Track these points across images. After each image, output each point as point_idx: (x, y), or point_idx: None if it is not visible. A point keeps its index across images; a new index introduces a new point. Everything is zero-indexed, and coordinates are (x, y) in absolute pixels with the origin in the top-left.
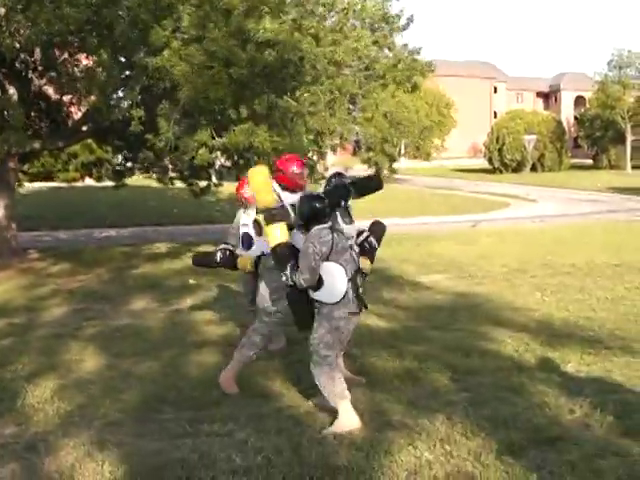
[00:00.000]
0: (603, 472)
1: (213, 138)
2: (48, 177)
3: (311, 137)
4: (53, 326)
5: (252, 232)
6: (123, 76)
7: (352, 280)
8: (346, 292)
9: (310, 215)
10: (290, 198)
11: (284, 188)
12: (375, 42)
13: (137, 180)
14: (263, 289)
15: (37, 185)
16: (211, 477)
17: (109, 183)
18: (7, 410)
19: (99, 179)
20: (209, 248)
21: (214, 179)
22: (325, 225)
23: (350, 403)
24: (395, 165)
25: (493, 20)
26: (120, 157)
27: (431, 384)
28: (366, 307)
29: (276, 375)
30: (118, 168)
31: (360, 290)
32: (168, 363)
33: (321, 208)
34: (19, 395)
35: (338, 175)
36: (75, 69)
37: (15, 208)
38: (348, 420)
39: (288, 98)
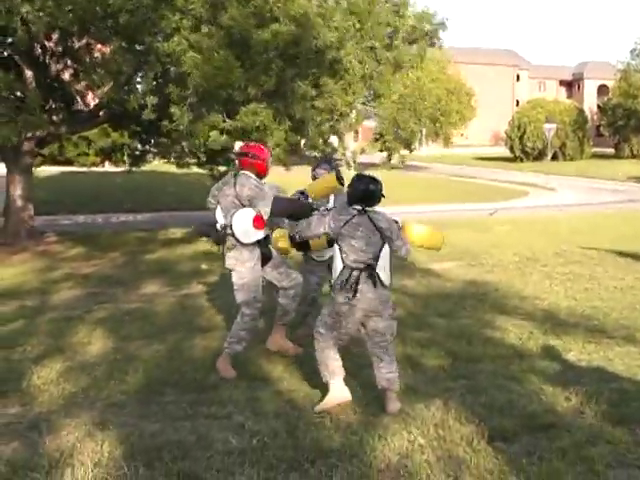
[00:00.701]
0: (593, 459)
1: (224, 121)
2: (68, 161)
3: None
4: (64, 309)
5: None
6: (138, 63)
7: (352, 270)
8: (345, 279)
9: (363, 196)
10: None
11: (257, 175)
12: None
13: (157, 165)
14: (244, 283)
15: (56, 169)
16: (207, 458)
17: (127, 168)
18: (13, 390)
19: (117, 164)
20: None
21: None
22: (357, 207)
23: (343, 380)
24: (415, 152)
25: (516, 7)
26: (137, 142)
27: (431, 370)
28: (351, 297)
29: (278, 359)
30: (136, 153)
31: (358, 284)
32: (173, 347)
33: (374, 190)
34: (25, 376)
35: (330, 158)
36: (90, 57)
37: (32, 191)
38: (339, 393)
39: (300, 83)
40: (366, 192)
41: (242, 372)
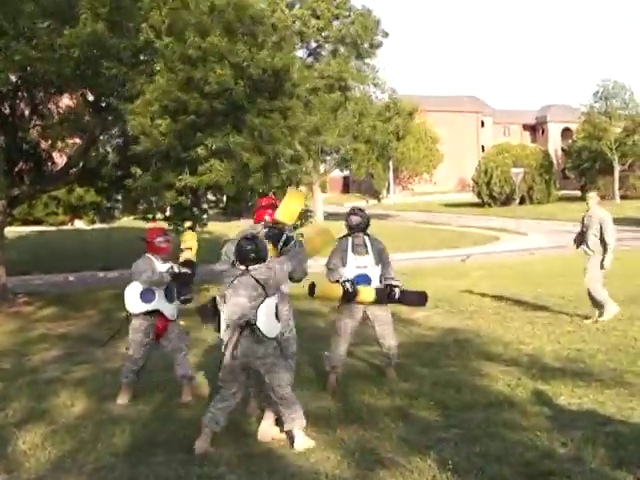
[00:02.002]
0: None
1: (179, 179)
2: (37, 221)
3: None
4: (43, 371)
5: None
6: (102, 121)
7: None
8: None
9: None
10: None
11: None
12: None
13: (126, 221)
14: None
15: (26, 229)
16: None
17: (98, 225)
18: None
19: (87, 221)
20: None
21: (204, 218)
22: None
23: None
24: (384, 201)
25: (478, 54)
26: (104, 199)
27: (422, 421)
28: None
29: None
30: (104, 209)
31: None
32: (159, 405)
33: (246, 250)
34: (9, 441)
35: (358, 210)
36: (57, 111)
37: (4, 252)
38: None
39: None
40: (240, 252)
41: (233, 429)
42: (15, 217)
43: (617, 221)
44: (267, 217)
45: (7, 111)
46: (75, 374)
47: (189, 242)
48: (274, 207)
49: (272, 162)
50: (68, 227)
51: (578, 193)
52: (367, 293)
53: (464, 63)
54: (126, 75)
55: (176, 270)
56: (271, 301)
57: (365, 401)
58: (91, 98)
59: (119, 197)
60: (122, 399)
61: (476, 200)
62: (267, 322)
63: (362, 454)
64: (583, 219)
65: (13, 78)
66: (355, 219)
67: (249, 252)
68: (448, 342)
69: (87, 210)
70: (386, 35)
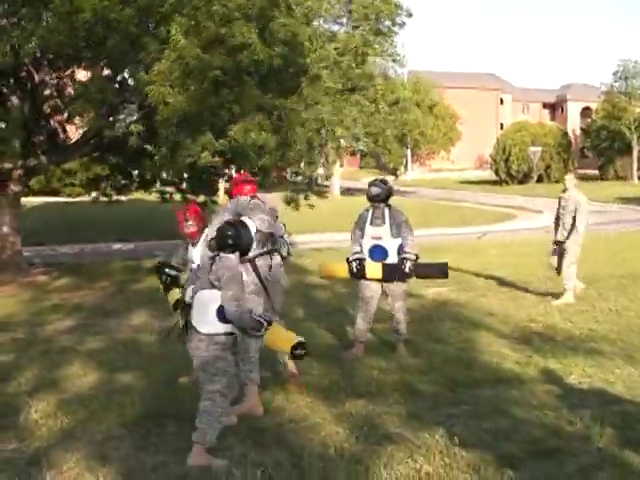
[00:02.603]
0: None
1: (217, 140)
2: (54, 192)
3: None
4: (56, 341)
5: None
6: (120, 92)
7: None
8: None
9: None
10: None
11: None
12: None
13: (143, 195)
14: None
15: (43, 200)
16: None
17: (114, 198)
18: (10, 425)
19: (105, 195)
20: None
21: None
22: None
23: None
24: (400, 177)
25: (499, 31)
26: (119, 175)
27: (431, 397)
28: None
29: (278, 389)
30: (120, 184)
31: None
32: (170, 376)
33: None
34: (22, 410)
35: (380, 182)
36: (73, 86)
37: (20, 223)
38: None
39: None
40: (219, 236)
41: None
42: (32, 188)
43: (634, 201)
44: (248, 189)
45: (25, 82)
46: (88, 344)
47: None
48: (251, 182)
49: (287, 142)
50: (85, 199)
51: (596, 172)
52: (374, 270)
53: (484, 40)
54: (138, 42)
55: None
56: (210, 294)
57: (374, 376)
58: (107, 71)
59: (134, 172)
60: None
61: (494, 178)
62: (199, 314)
63: (370, 429)
64: (560, 201)
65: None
66: (374, 190)
67: (228, 238)
68: (460, 319)
69: (103, 183)
70: (410, 15)
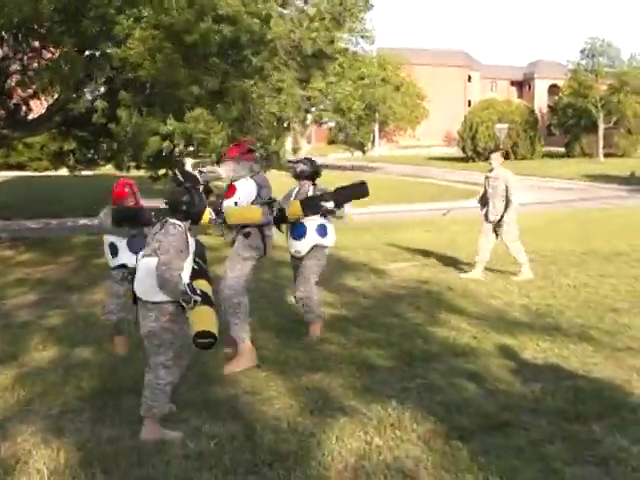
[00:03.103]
0: (550, 456)
1: (164, 123)
2: (20, 166)
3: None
4: (18, 315)
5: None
6: (87, 68)
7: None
8: None
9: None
10: None
11: None
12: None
13: (110, 169)
14: None
15: (10, 174)
16: (164, 462)
17: (81, 173)
18: None
19: (71, 168)
20: None
21: (188, 166)
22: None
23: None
24: (369, 153)
25: (467, 7)
26: (83, 149)
27: (387, 371)
28: None
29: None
30: (86, 157)
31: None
32: (130, 351)
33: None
34: None
35: (307, 159)
36: (39, 62)
37: None
38: None
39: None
40: (172, 200)
41: (199, 375)
42: None
43: (600, 179)
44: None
45: None
46: (49, 319)
47: None
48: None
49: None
50: (52, 173)
51: (563, 150)
52: (294, 207)
53: (452, 17)
54: (112, 20)
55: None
56: (152, 261)
57: (333, 351)
58: (74, 48)
59: (102, 146)
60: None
61: (461, 155)
62: (145, 283)
63: (325, 402)
64: (487, 180)
65: None
66: (300, 167)
67: (182, 204)
68: (420, 294)
69: (69, 157)
70: (371, 7)
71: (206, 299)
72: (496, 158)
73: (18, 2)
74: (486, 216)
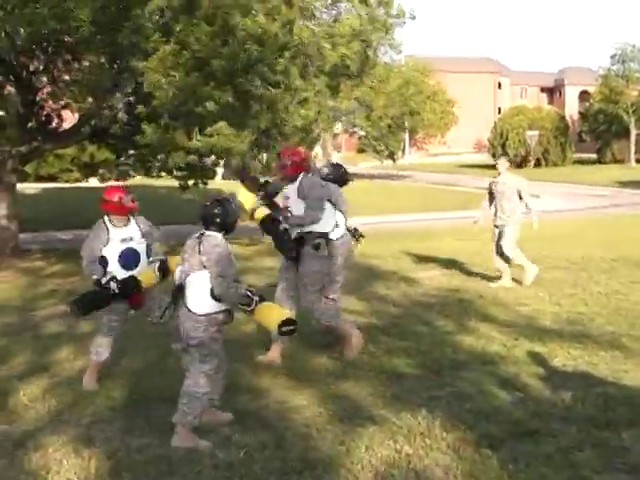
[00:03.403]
0: (579, 464)
1: (190, 139)
2: (51, 178)
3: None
4: (48, 326)
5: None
6: (115, 79)
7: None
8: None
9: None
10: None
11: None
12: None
13: (140, 180)
14: None
15: (39, 186)
16: (195, 472)
17: (111, 183)
18: None
19: (104, 180)
20: None
21: (219, 176)
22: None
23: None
24: (399, 161)
25: (497, 15)
26: (113, 155)
27: (416, 379)
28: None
29: (264, 371)
30: (119, 168)
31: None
32: (159, 360)
33: (207, 214)
34: (11, 394)
35: (332, 165)
36: (69, 73)
37: (16, 208)
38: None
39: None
40: (203, 213)
41: (229, 385)
42: (28, 173)
43: (632, 184)
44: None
45: (20, 68)
46: (79, 329)
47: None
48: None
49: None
50: (82, 185)
51: (594, 156)
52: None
53: (481, 24)
54: (143, 31)
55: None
56: (204, 275)
57: (362, 359)
58: (103, 59)
59: (130, 155)
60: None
61: (491, 162)
62: (194, 296)
63: (354, 411)
64: (492, 186)
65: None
66: (324, 171)
67: (215, 216)
68: (450, 302)
69: (100, 168)
70: (413, 18)
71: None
72: (502, 164)
73: (43, 16)
74: (494, 222)
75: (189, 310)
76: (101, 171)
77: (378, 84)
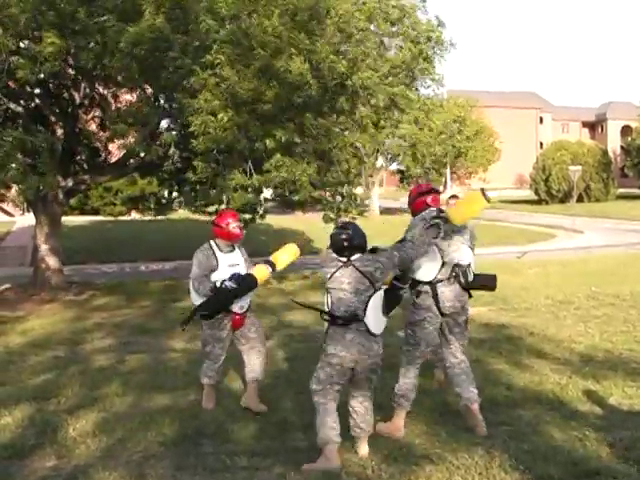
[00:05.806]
0: None
1: (249, 177)
2: (94, 211)
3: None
4: (96, 360)
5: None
6: (162, 115)
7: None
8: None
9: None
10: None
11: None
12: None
13: (182, 213)
14: None
15: (84, 219)
16: None
17: (153, 217)
18: (49, 443)
19: (144, 212)
20: None
21: (260, 211)
22: (342, 259)
23: (335, 448)
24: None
25: (538, 50)
26: (165, 190)
27: None
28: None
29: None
30: (163, 201)
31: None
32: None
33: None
34: (61, 428)
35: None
36: (116, 106)
37: (61, 241)
38: (325, 463)
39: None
40: (334, 241)
41: (279, 423)
42: (72, 207)
43: None
44: (429, 201)
45: (67, 102)
46: (128, 363)
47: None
48: (434, 191)
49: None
50: (125, 218)
51: (637, 191)
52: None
53: (523, 59)
54: (189, 67)
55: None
56: (378, 295)
57: (415, 397)
58: (150, 91)
59: (178, 189)
60: (208, 403)
61: (533, 197)
62: (375, 318)
63: (409, 449)
64: None
65: (71, 71)
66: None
67: (343, 241)
68: (500, 339)
69: (146, 201)
70: (453, 45)
71: None
72: None
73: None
74: None
75: (372, 333)
76: (149, 204)
77: (423, 119)
